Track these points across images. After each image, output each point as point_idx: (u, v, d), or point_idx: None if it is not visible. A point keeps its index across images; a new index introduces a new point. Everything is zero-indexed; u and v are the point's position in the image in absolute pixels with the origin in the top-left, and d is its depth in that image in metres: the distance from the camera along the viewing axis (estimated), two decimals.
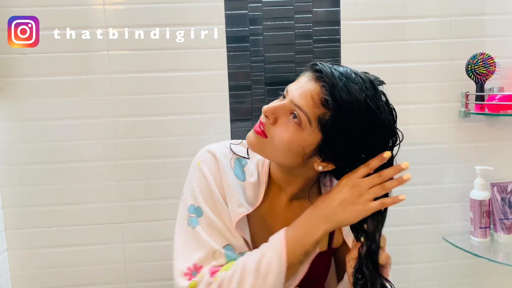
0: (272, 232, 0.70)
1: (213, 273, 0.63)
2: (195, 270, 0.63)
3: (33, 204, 1.10)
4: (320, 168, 0.65)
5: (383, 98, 0.63)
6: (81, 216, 1.12)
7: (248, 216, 0.70)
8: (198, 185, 0.70)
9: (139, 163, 1.12)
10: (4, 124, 1.08)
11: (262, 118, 0.65)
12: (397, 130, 0.64)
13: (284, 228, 0.66)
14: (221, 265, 0.65)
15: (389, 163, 0.64)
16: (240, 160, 0.73)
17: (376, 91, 0.62)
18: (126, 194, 1.12)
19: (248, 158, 0.74)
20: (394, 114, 0.65)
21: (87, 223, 1.12)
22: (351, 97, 0.58)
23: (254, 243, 0.71)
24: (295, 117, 0.61)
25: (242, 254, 0.68)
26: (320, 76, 0.60)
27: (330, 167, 0.65)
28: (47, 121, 1.08)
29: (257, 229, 0.72)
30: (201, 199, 0.68)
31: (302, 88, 0.61)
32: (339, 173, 0.67)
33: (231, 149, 0.75)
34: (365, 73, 0.65)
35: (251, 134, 0.67)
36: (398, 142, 0.65)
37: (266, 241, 0.69)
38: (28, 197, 1.10)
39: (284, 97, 0.64)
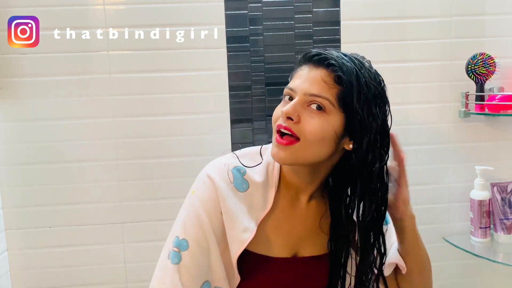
0: (290, 236, 0.70)
1: None
2: None
3: (33, 204, 1.10)
4: (351, 146, 0.63)
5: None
6: (81, 216, 1.12)
7: (263, 221, 0.68)
8: (187, 215, 0.67)
9: (139, 163, 1.12)
10: (4, 124, 1.08)
11: (282, 123, 0.62)
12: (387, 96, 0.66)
13: None
14: None
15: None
16: (239, 169, 0.69)
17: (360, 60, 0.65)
18: (126, 194, 1.12)
19: (253, 166, 0.71)
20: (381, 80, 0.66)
21: (87, 223, 1.12)
22: (354, 65, 0.61)
23: (273, 249, 0.69)
24: (318, 107, 0.61)
25: None
26: (321, 58, 0.61)
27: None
28: (47, 121, 1.08)
29: (275, 235, 0.70)
30: (188, 231, 0.65)
31: (309, 79, 0.61)
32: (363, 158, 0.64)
33: (230, 162, 0.71)
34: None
35: (277, 150, 0.63)
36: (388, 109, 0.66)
37: (285, 245, 0.70)
38: (28, 197, 1.10)
39: (290, 98, 0.64)
